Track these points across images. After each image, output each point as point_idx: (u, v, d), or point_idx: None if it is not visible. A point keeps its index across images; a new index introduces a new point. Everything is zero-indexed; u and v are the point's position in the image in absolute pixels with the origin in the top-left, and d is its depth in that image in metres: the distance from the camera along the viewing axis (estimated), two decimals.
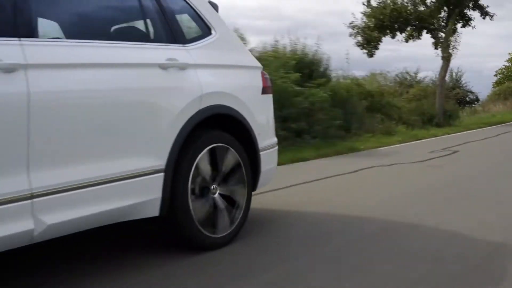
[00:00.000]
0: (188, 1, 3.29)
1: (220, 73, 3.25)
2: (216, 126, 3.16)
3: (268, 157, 3.56)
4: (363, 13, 17.53)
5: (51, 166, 2.29)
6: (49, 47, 2.40)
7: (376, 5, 17.30)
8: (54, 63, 2.36)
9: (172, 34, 3.05)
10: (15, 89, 2.18)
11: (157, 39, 3.01)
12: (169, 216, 2.85)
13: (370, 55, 17.85)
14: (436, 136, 12.14)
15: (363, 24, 17.56)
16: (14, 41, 2.24)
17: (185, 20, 3.25)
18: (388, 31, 17.64)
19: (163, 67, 2.87)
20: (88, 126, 2.46)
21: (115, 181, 2.54)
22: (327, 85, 10.66)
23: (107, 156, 2.54)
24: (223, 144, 3.15)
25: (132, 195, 2.64)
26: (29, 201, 2.20)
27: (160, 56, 2.89)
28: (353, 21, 17.70)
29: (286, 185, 5.11)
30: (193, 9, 3.30)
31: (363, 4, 17.46)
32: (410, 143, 10.65)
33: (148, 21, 3.01)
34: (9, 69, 2.17)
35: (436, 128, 14.13)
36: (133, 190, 2.64)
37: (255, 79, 3.55)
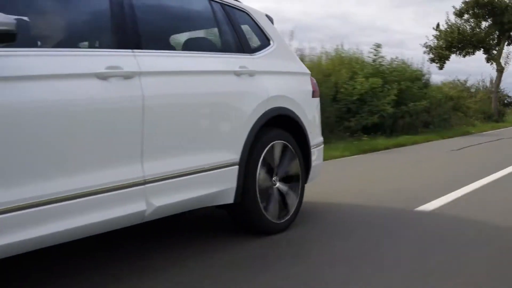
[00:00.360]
0: (251, 16, 3.74)
1: (280, 79, 3.69)
2: (277, 125, 3.59)
3: (317, 154, 4.00)
4: (435, 36, 24.82)
5: (159, 157, 2.73)
6: (154, 57, 2.83)
7: (444, 29, 24.47)
8: (159, 70, 2.80)
9: (241, 45, 3.50)
10: (132, 93, 2.61)
11: (231, 50, 3.45)
12: (240, 204, 3.28)
13: (441, 67, 24.96)
14: (506, 127, 17.79)
15: (435, 44, 24.79)
16: (129, 52, 2.68)
17: (248, 32, 3.68)
18: (454, 49, 24.57)
19: (237, 74, 3.31)
20: (186, 124, 2.90)
21: (204, 171, 2.98)
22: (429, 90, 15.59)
23: (198, 149, 2.98)
24: (283, 141, 3.58)
25: (215, 184, 3.08)
26: (142, 186, 2.64)
27: (234, 64, 3.33)
28: (426, 42, 25.32)
29: (472, 144, 10.20)
30: (255, 22, 3.75)
31: (433, 29, 25.05)
32: (498, 130, 16.09)
33: (224, 34, 3.45)
34: (128, 76, 2.61)
35: (495, 123, 20.36)
36: (216, 180, 3.08)
37: (306, 84, 3.99)
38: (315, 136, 3.97)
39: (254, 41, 3.70)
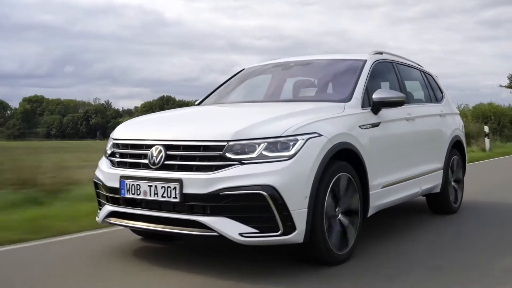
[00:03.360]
0: (433, 77, 6.01)
1: (453, 117, 5.97)
2: (453, 147, 5.82)
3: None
4: None
5: (421, 164, 4.95)
6: (414, 107, 5.05)
7: None
8: (418, 115, 5.01)
9: (435, 97, 5.78)
10: (416, 128, 4.85)
11: (433, 100, 5.72)
12: (441, 193, 5.49)
13: None
14: None
15: None
16: (410, 105, 4.90)
17: (435, 89, 5.95)
18: None
19: (440, 115, 5.57)
20: (427, 144, 5.14)
21: (428, 174, 5.16)
22: None
23: (430, 160, 5.21)
24: (457, 157, 5.84)
25: (435, 180, 5.30)
26: (416, 179, 4.85)
27: (437, 110, 5.59)
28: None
29: None
30: (436, 82, 6.02)
31: None
32: None
33: (429, 90, 5.72)
34: (410, 119, 4.83)
35: None
36: (435, 178, 5.30)
37: (460, 119, 6.26)
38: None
39: (438, 94, 5.96)
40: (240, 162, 3.25)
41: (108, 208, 3.74)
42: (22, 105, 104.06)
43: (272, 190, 3.18)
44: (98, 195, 3.95)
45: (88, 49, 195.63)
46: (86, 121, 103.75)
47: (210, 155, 3.31)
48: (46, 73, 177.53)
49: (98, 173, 3.90)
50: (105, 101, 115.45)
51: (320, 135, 3.47)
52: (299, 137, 3.36)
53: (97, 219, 3.93)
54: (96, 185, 3.94)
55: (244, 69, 5.28)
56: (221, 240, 3.27)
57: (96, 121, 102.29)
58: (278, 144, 3.31)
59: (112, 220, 3.74)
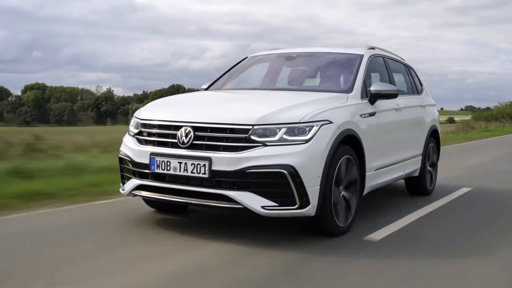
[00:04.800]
0: (414, 70, 6.57)
1: (431, 108, 6.56)
2: (431, 135, 6.42)
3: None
4: None
5: (404, 150, 5.50)
6: (401, 99, 5.56)
7: None
8: (404, 106, 5.55)
9: (417, 89, 6.34)
10: (403, 117, 5.39)
11: (415, 92, 6.28)
12: (419, 177, 6.08)
13: None
14: None
15: None
16: (398, 98, 5.41)
17: (416, 81, 6.51)
18: None
19: (421, 106, 6.14)
20: (409, 133, 5.70)
21: (410, 159, 5.73)
22: None
23: (412, 147, 5.78)
24: (433, 144, 6.45)
25: (413, 166, 5.87)
26: (402, 163, 5.41)
27: (419, 101, 6.17)
28: None
29: None
30: (417, 76, 6.59)
31: None
32: None
33: (411, 83, 6.27)
34: (398, 109, 5.36)
35: None
36: (415, 163, 5.89)
37: (436, 110, 6.87)
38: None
39: (418, 86, 6.53)
40: (263, 144, 3.69)
41: (135, 181, 4.11)
42: (33, 92, 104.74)
43: (291, 169, 3.64)
44: (123, 169, 4.30)
45: (56, 33, 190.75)
46: (96, 108, 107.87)
47: (236, 137, 3.74)
48: (13, 58, 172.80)
49: (124, 150, 4.25)
50: (107, 89, 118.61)
51: (331, 122, 3.94)
52: (314, 124, 3.82)
53: (121, 191, 4.29)
54: (122, 160, 4.29)
55: (247, 57, 5.67)
56: (244, 212, 3.72)
57: (107, 108, 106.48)
58: (296, 129, 3.77)
59: (138, 192, 4.12)
